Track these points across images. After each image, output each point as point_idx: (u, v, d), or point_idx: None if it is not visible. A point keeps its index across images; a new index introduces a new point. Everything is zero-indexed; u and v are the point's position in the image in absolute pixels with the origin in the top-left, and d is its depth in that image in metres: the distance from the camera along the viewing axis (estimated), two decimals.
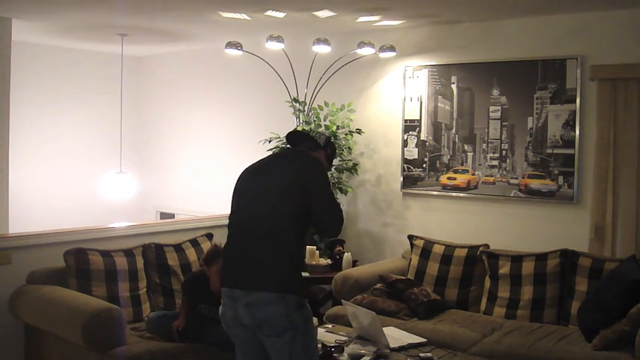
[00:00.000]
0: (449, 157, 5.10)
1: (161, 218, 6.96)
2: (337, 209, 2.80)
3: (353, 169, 5.34)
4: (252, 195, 2.83)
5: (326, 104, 5.35)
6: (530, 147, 4.70)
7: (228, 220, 2.88)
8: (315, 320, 2.94)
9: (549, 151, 4.63)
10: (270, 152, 5.30)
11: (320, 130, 3.21)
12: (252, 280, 2.63)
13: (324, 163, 2.99)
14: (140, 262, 4.22)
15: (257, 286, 2.60)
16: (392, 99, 5.39)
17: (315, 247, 5.15)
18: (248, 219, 2.76)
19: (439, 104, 5.13)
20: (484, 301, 4.42)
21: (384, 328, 3.60)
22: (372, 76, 5.49)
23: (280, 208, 2.69)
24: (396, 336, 3.70)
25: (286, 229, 2.67)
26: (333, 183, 5.30)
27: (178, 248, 4.45)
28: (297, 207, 2.69)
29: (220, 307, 2.75)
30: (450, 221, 5.08)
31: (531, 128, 4.69)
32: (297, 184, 2.72)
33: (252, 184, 2.89)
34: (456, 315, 4.30)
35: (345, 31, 5.33)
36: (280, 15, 4.77)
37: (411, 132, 5.27)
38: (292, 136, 3.08)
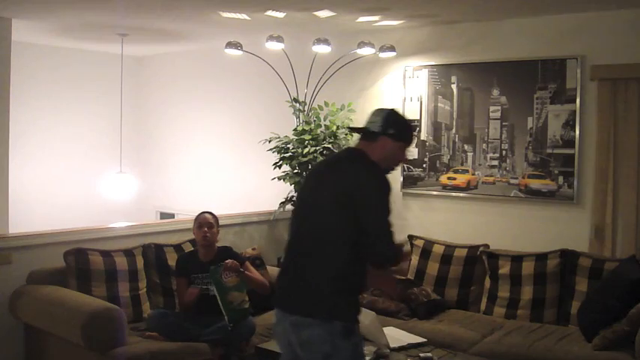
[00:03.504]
0: (449, 157, 5.10)
1: (161, 218, 6.97)
2: (386, 229, 2.36)
3: None
4: (302, 205, 2.55)
5: (326, 104, 5.35)
6: (530, 147, 4.70)
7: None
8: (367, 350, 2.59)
9: (549, 151, 4.63)
10: (271, 152, 5.33)
11: (376, 116, 2.47)
12: (297, 302, 2.43)
13: (378, 167, 2.43)
14: (140, 262, 4.22)
15: (301, 310, 2.40)
16: (392, 99, 5.38)
17: None
18: (297, 232, 2.52)
19: (439, 104, 5.13)
20: (484, 301, 4.42)
21: (384, 328, 3.60)
22: (372, 76, 5.49)
23: (327, 225, 2.38)
24: (396, 336, 3.70)
25: (335, 248, 2.37)
26: None
27: (178, 248, 4.45)
28: (345, 225, 2.36)
29: (274, 318, 2.61)
30: (450, 221, 5.07)
31: (531, 128, 4.69)
32: (343, 198, 2.35)
33: (305, 192, 2.57)
34: (456, 315, 4.31)
35: (345, 31, 5.33)
36: (280, 15, 4.78)
37: None
38: (356, 129, 2.70)
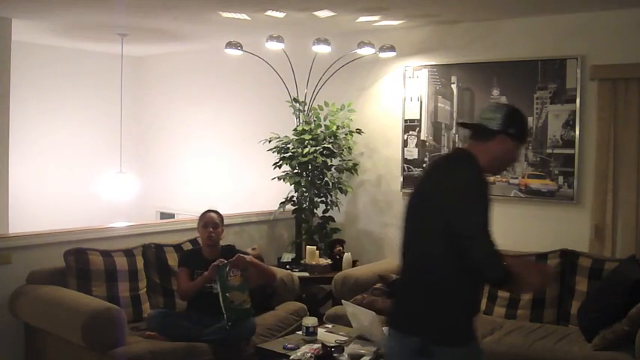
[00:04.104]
0: None
1: (161, 218, 6.96)
2: (481, 236, 2.15)
3: (353, 169, 5.34)
4: (406, 214, 2.40)
5: (326, 104, 5.35)
6: (530, 147, 4.70)
7: None
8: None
9: (549, 151, 4.63)
10: (271, 152, 5.33)
11: (495, 113, 2.26)
12: (403, 319, 2.28)
13: (476, 169, 2.23)
14: (140, 262, 4.21)
15: (406, 329, 2.25)
16: (392, 99, 5.39)
17: (315, 247, 5.16)
18: (403, 245, 2.37)
19: (439, 104, 5.13)
20: (484, 301, 4.41)
21: (384, 328, 3.60)
22: (372, 76, 5.49)
23: (427, 236, 2.23)
24: None
25: (437, 264, 2.20)
26: (332, 183, 5.30)
27: (178, 248, 4.45)
28: (442, 238, 2.16)
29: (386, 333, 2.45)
30: None
31: (531, 128, 4.69)
32: (439, 208, 2.19)
33: (410, 200, 2.40)
34: None
35: (345, 31, 5.33)
36: (280, 15, 4.77)
37: (411, 132, 5.27)
38: (467, 125, 2.51)
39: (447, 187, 2.20)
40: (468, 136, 2.40)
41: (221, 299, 3.76)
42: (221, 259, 3.87)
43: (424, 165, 5.18)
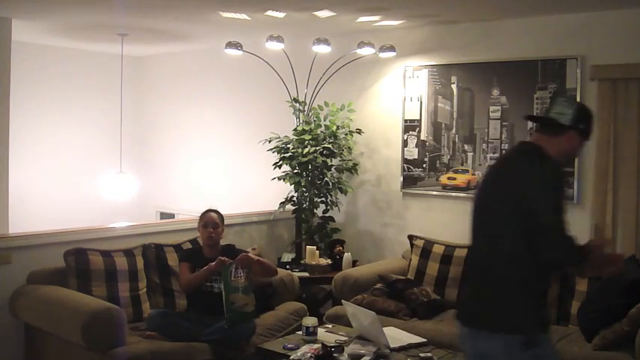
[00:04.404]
0: (449, 157, 5.10)
1: (161, 218, 6.96)
2: (556, 227, 2.18)
3: (353, 169, 5.34)
4: (475, 209, 2.43)
5: (326, 104, 5.35)
6: None
7: None
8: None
9: None
10: (271, 152, 5.33)
11: (567, 108, 2.30)
12: (474, 314, 2.36)
13: (551, 160, 2.27)
14: (140, 262, 4.21)
15: (478, 322, 2.32)
16: (392, 99, 5.39)
17: (315, 247, 5.16)
18: (473, 240, 2.43)
19: (439, 104, 5.13)
20: None
21: (384, 328, 3.60)
22: (372, 76, 5.49)
23: (501, 230, 2.27)
24: (396, 336, 3.70)
25: (510, 255, 2.25)
26: (332, 183, 5.30)
27: (178, 248, 4.44)
28: (520, 227, 2.21)
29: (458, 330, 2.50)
30: (450, 221, 5.07)
31: (531, 128, 4.68)
32: (514, 197, 2.23)
33: (478, 194, 2.45)
34: None
35: (345, 31, 5.33)
36: (280, 15, 4.78)
37: (411, 132, 5.27)
38: (535, 119, 2.52)
39: (524, 178, 2.22)
40: (535, 130, 2.42)
41: (223, 299, 3.76)
42: (225, 258, 3.87)
43: (425, 161, 5.19)
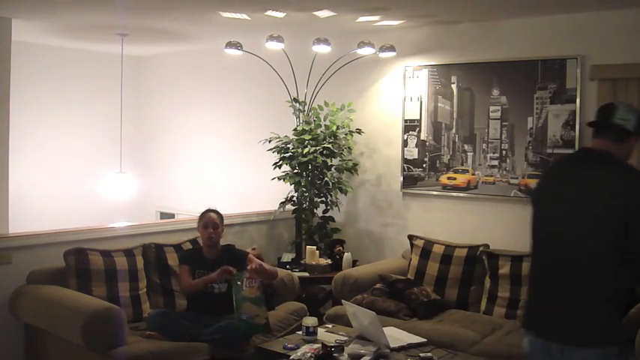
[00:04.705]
0: (449, 157, 5.10)
1: (161, 218, 6.97)
2: None
3: (353, 169, 5.34)
4: (549, 223, 2.42)
5: (326, 104, 5.35)
6: (530, 147, 4.70)
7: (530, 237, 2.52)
8: None
9: (549, 151, 4.63)
10: (271, 152, 5.32)
11: (629, 114, 2.32)
12: (566, 330, 2.30)
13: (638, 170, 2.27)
14: (140, 262, 4.22)
15: (573, 339, 2.27)
16: (392, 99, 5.39)
17: (315, 247, 5.16)
18: (552, 245, 2.39)
19: (439, 104, 5.13)
20: (484, 301, 4.42)
21: (384, 328, 3.60)
22: (372, 76, 5.49)
23: (592, 244, 2.25)
24: (396, 336, 3.70)
25: (604, 268, 2.23)
26: (332, 183, 5.30)
27: (178, 248, 4.45)
28: (614, 238, 2.21)
29: (526, 341, 2.46)
30: (450, 221, 5.07)
31: (531, 128, 4.69)
32: (613, 212, 2.21)
33: (549, 206, 2.45)
34: (456, 315, 4.30)
35: (345, 31, 5.33)
36: (280, 15, 4.77)
37: (411, 132, 5.27)
38: (596, 123, 2.44)
39: (625, 194, 2.21)
40: (594, 135, 2.43)
41: (234, 309, 3.71)
42: (231, 268, 3.85)
43: (425, 161, 5.19)
